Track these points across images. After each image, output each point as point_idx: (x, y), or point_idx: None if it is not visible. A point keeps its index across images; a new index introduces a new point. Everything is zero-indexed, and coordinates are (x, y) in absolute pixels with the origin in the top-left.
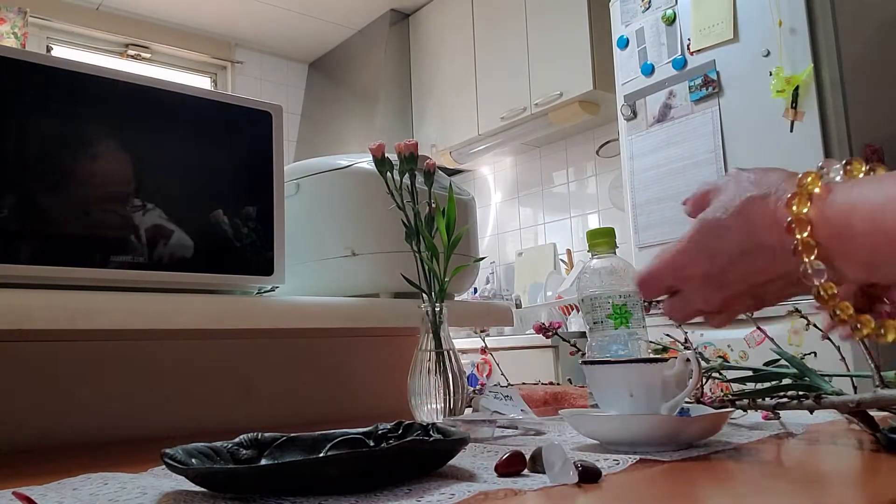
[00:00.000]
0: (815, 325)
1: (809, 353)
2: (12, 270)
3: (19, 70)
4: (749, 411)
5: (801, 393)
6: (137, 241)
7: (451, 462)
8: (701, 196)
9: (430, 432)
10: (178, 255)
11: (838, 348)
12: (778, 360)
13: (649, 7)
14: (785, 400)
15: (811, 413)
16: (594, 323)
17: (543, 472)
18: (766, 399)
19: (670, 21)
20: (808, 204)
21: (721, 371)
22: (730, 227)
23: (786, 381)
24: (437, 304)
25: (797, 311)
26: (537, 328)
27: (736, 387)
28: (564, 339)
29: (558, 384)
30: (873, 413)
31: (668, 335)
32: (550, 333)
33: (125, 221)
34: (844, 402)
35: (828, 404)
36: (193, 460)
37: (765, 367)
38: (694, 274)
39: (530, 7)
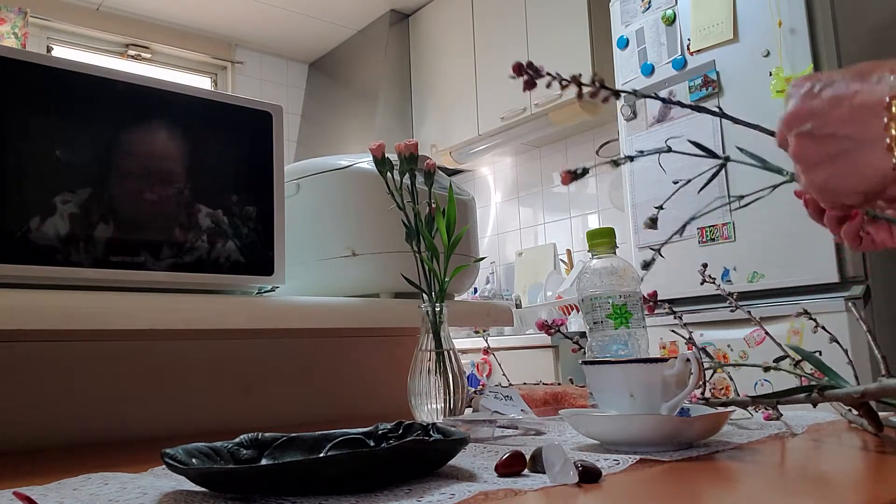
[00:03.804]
0: (823, 328)
1: (815, 352)
2: (12, 270)
3: (19, 70)
4: (751, 410)
5: (803, 384)
6: (136, 241)
7: (451, 462)
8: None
9: (430, 432)
10: (179, 254)
11: (841, 347)
12: (784, 357)
13: (649, 7)
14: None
15: (814, 406)
16: (594, 323)
17: (543, 472)
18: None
19: (670, 21)
20: None
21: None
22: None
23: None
24: (437, 304)
25: (805, 312)
26: (540, 325)
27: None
28: (567, 336)
29: (559, 384)
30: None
31: (673, 331)
32: (553, 331)
33: (125, 222)
34: (849, 393)
35: (832, 397)
36: (194, 460)
37: (777, 365)
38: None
39: (530, 7)
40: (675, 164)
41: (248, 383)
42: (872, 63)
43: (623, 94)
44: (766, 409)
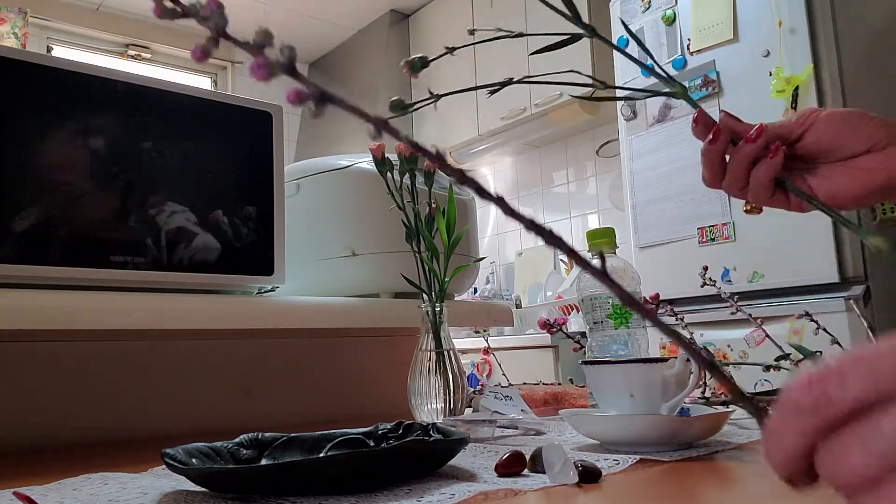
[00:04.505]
0: (825, 330)
1: (816, 352)
2: (11, 270)
3: (19, 70)
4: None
5: None
6: (137, 241)
7: (451, 462)
8: None
9: (430, 432)
10: (179, 255)
11: (843, 348)
12: (785, 356)
13: (649, 7)
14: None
15: None
16: (594, 323)
17: (543, 472)
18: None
19: (670, 21)
20: None
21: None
22: None
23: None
24: (437, 304)
25: (807, 314)
26: (542, 324)
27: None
28: (568, 336)
29: (559, 384)
30: None
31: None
32: (555, 330)
33: (125, 222)
34: None
35: None
36: (194, 460)
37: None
38: None
39: (530, 7)
40: (676, 163)
41: (247, 383)
42: None
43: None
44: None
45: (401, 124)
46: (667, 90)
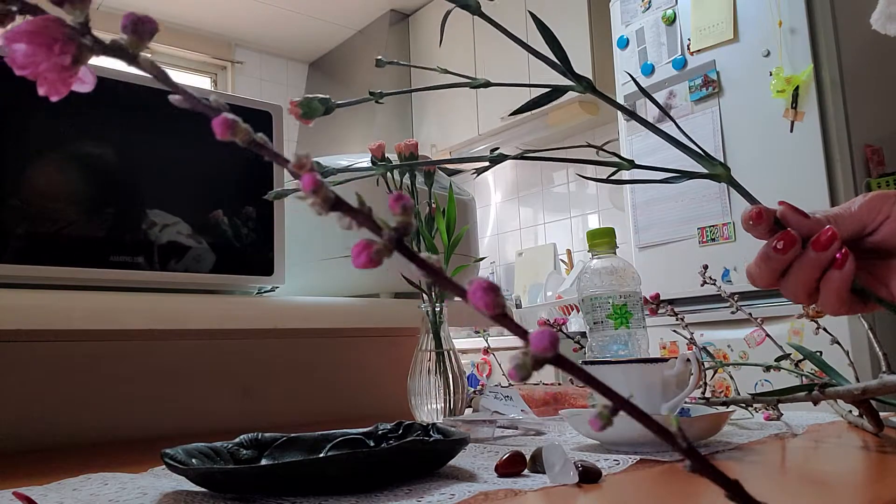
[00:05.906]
0: (825, 329)
1: (817, 352)
2: (11, 270)
3: None
4: (751, 410)
5: (804, 383)
6: (137, 241)
7: (452, 462)
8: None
9: (430, 432)
10: (179, 255)
11: (842, 348)
12: (785, 356)
13: (649, 7)
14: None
15: (815, 404)
16: (594, 323)
17: (543, 473)
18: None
19: (670, 21)
20: None
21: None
22: None
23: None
24: (437, 304)
25: (807, 314)
26: (541, 324)
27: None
28: (568, 336)
29: (559, 384)
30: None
31: (674, 331)
32: (555, 330)
33: (125, 221)
34: (850, 390)
35: (833, 394)
36: (193, 460)
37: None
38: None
39: (530, 7)
40: (676, 163)
41: (247, 383)
42: None
43: (623, 95)
44: (767, 410)
45: (401, 125)
46: (705, 171)
